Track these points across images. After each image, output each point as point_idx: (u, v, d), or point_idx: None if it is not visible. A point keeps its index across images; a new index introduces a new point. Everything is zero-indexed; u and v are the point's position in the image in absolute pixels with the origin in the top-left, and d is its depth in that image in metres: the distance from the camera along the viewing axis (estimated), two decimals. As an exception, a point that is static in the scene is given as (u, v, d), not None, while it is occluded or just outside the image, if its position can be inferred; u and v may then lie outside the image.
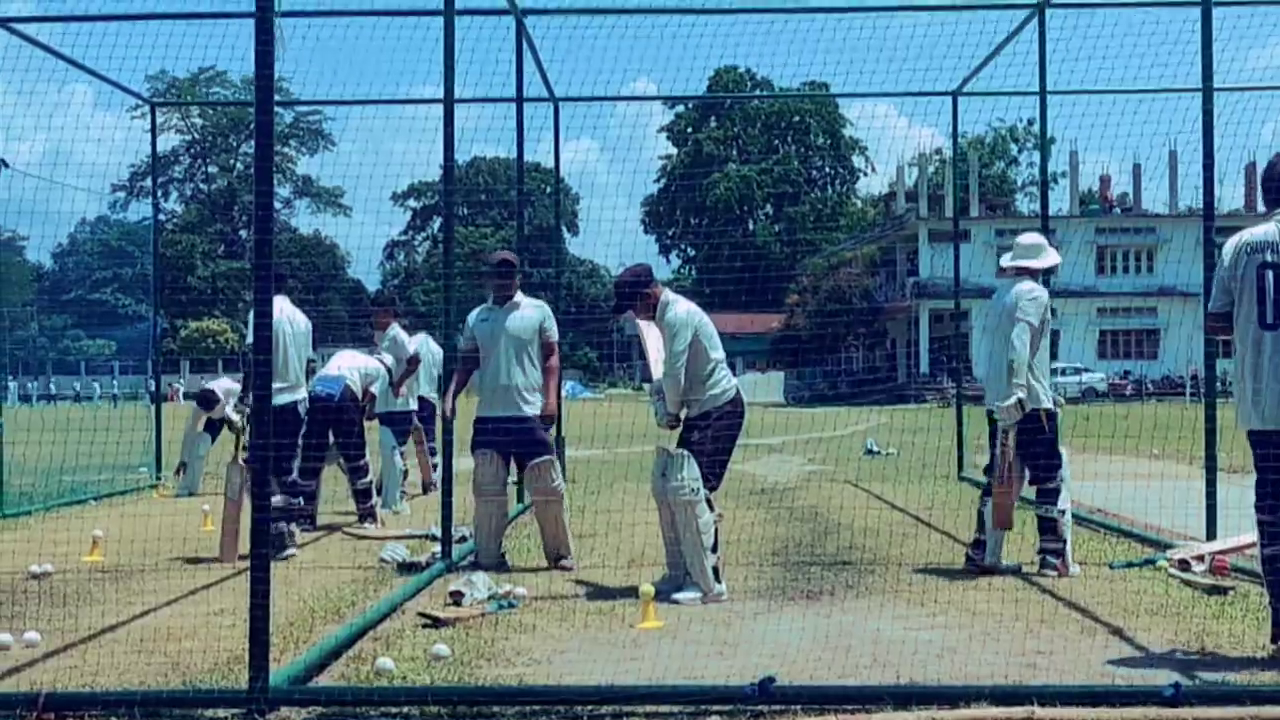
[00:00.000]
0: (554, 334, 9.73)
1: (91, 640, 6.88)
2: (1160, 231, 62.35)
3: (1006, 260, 9.20)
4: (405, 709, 5.35)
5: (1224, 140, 9.84)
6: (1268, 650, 6.35)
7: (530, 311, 9.68)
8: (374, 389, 12.39)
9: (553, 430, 9.67)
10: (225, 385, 14.95)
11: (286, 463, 10.19)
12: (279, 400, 9.70)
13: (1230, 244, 6.39)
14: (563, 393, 17.77)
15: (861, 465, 19.37)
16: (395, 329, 13.27)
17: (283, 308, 10.09)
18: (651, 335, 8.60)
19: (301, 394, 10.51)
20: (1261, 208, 6.53)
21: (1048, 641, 6.65)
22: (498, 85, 14.85)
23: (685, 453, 8.08)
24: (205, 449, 15.44)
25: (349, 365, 12.02)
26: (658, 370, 8.45)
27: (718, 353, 8.39)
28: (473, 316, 9.86)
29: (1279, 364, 6.14)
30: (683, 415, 8.38)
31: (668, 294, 8.45)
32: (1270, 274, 6.14)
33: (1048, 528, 8.86)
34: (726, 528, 9.93)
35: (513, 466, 9.66)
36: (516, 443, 9.44)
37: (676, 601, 7.87)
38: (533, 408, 9.50)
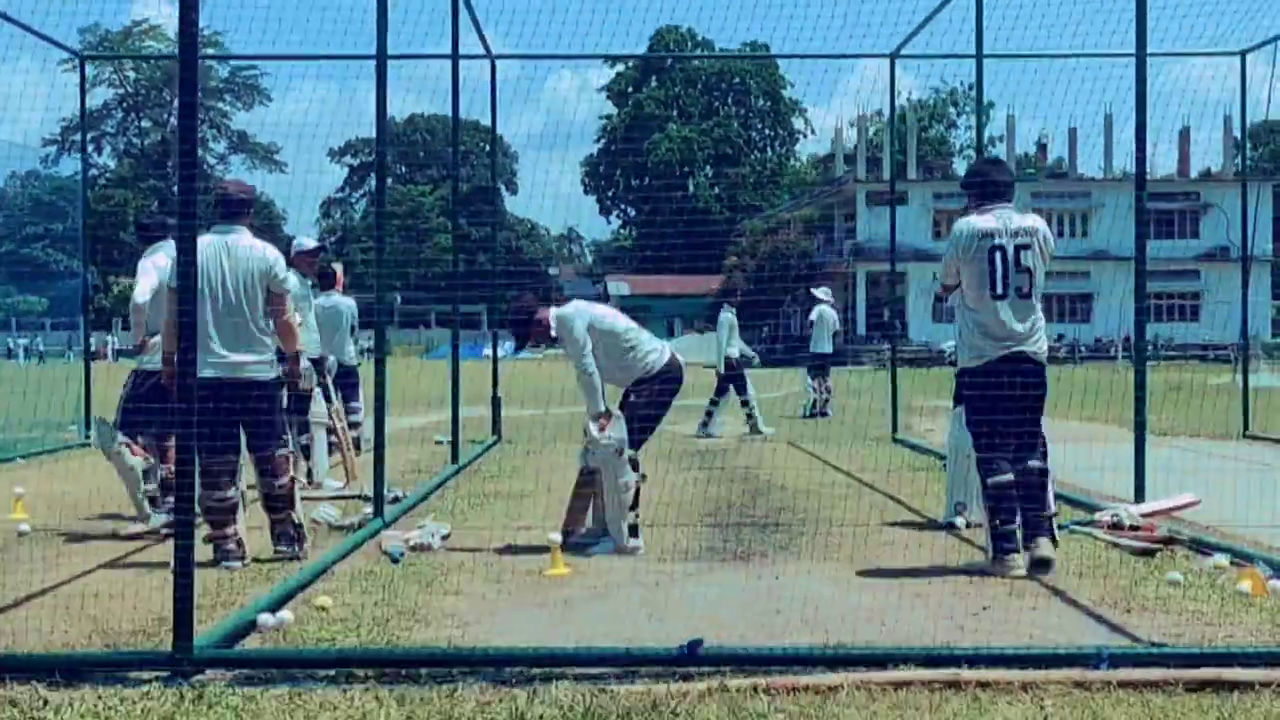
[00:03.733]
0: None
1: (14, 604, 6.77)
2: (1094, 195, 62.90)
3: None
4: (331, 671, 5.30)
5: (1158, 106, 9.95)
6: (970, 563, 7.83)
7: None
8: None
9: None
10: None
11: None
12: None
13: (963, 233, 7.73)
14: (499, 353, 17.76)
15: (796, 426, 19.43)
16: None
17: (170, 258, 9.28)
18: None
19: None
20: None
21: (977, 603, 6.70)
22: (433, 40, 14.66)
23: (616, 412, 8.32)
24: None
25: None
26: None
27: (625, 325, 8.55)
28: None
29: (999, 326, 7.62)
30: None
31: (553, 311, 8.55)
32: (999, 255, 7.63)
33: None
34: (660, 489, 9.94)
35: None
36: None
37: (590, 554, 8.18)
38: None
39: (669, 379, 8.58)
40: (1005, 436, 7.69)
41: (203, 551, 7.15)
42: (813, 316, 22.00)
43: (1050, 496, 7.82)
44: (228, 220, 8.21)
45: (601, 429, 8.26)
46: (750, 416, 18.62)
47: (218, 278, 7.99)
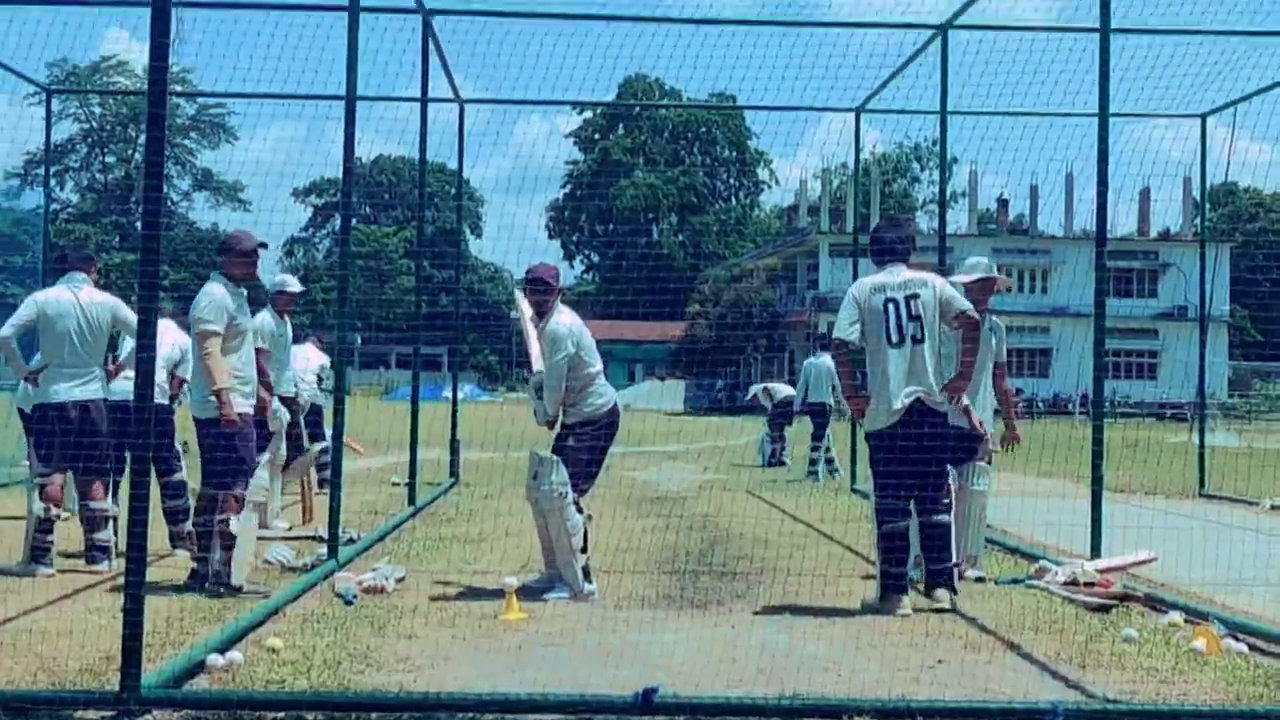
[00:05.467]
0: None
1: (-41, 638, 6.67)
2: (1055, 253, 63.38)
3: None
4: (280, 714, 5.23)
5: (1119, 165, 10.06)
6: (864, 601, 8.09)
7: None
8: (180, 372, 10.10)
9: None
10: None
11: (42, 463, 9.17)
12: (74, 395, 9.09)
13: (860, 288, 8.29)
14: (459, 396, 17.72)
15: (756, 474, 19.44)
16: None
17: (69, 295, 9.20)
18: (534, 334, 8.83)
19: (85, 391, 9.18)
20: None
21: (932, 655, 6.69)
22: (404, 83, 14.68)
23: (554, 458, 8.42)
24: None
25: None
26: (538, 364, 8.73)
27: (595, 365, 8.70)
28: (232, 303, 8.57)
29: (898, 373, 8.03)
30: (561, 418, 8.72)
31: (561, 306, 8.74)
32: (891, 306, 8.10)
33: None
34: (618, 535, 9.93)
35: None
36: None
37: (545, 599, 8.16)
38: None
39: (609, 425, 8.72)
40: (909, 489, 8.13)
41: (161, 577, 7.08)
42: (756, 390, 22.75)
43: (952, 549, 8.27)
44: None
45: (550, 426, 8.68)
46: (830, 461, 18.81)
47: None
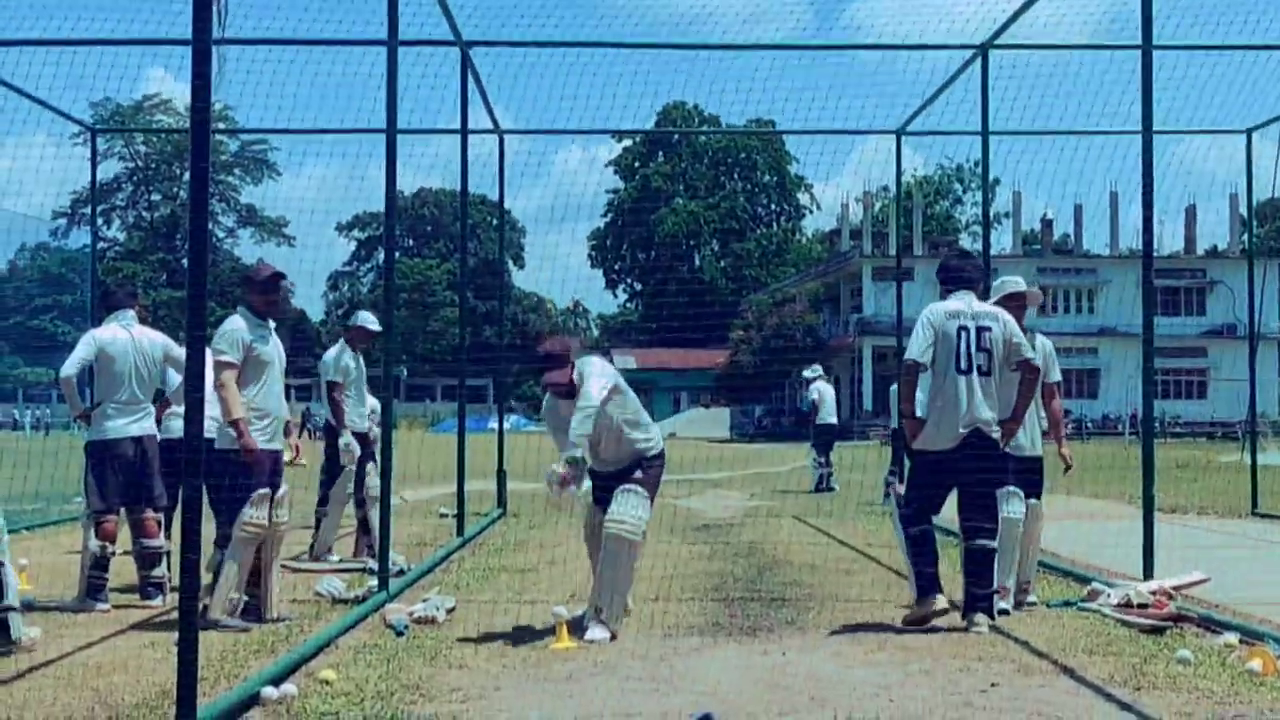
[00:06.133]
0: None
1: (16, 675, 6.73)
2: (1101, 272, 63.03)
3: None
4: (334, 746, 5.26)
5: (1164, 182, 10.02)
6: (905, 617, 8.24)
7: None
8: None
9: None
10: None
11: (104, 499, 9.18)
12: (127, 431, 9.17)
13: (935, 312, 8.39)
14: (505, 427, 17.76)
15: (803, 500, 19.39)
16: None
17: (124, 332, 9.29)
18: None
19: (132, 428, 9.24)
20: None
21: (984, 679, 6.64)
22: (444, 117, 14.78)
23: (643, 490, 8.10)
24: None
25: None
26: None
27: (636, 403, 8.36)
28: (250, 335, 8.50)
29: (963, 399, 8.19)
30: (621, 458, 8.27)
31: (580, 364, 8.12)
32: (963, 334, 8.28)
33: None
34: (666, 563, 9.93)
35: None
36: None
37: (591, 640, 7.72)
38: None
39: (662, 462, 8.39)
40: (940, 508, 8.44)
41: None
42: (814, 396, 22.09)
43: (994, 574, 8.32)
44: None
45: (563, 483, 7.80)
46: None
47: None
